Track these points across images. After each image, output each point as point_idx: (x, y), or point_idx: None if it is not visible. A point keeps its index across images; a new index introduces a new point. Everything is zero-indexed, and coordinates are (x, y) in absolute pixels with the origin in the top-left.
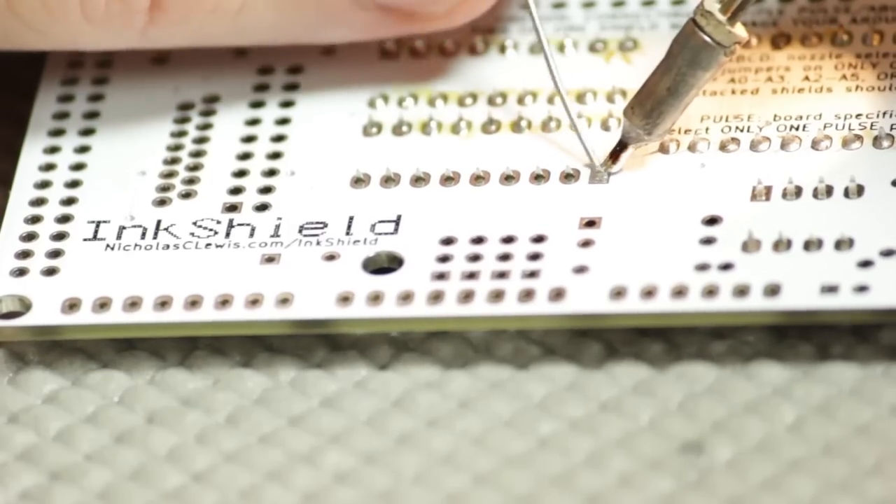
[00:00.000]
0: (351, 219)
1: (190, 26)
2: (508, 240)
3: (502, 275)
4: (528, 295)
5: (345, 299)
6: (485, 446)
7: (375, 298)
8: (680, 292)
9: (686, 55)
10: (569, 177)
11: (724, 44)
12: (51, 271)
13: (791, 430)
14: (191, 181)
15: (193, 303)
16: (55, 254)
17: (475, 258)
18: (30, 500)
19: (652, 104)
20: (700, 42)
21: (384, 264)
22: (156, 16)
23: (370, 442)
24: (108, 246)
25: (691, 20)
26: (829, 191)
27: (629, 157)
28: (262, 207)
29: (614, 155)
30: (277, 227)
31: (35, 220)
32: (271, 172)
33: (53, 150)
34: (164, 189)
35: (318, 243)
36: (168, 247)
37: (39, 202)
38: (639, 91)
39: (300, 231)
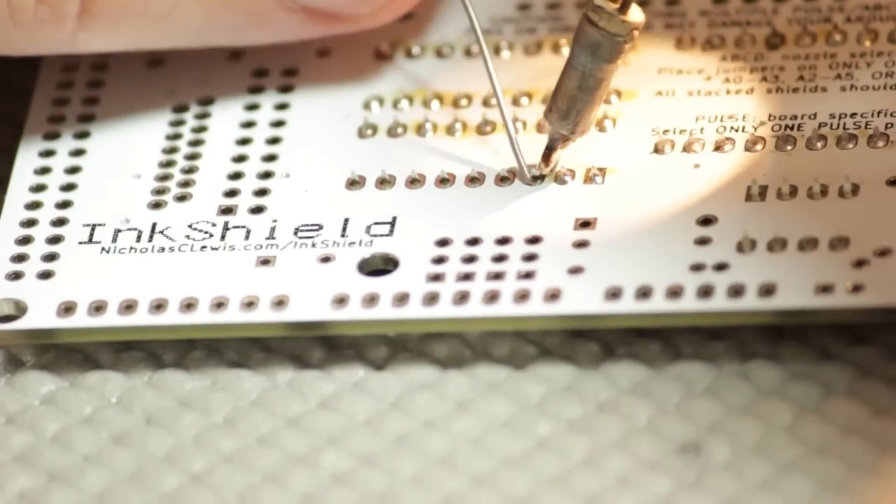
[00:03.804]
0: (346, 221)
1: (119, 30)
2: (503, 241)
3: (498, 276)
4: (523, 296)
5: (340, 301)
6: (482, 447)
7: (371, 300)
8: (675, 293)
9: (586, 52)
10: (563, 178)
11: (620, 33)
12: (46, 274)
13: (788, 430)
14: (186, 184)
15: (189, 305)
16: (50, 257)
17: (470, 259)
18: (27, 502)
19: (567, 104)
20: (596, 37)
21: (379, 266)
22: (85, 21)
23: (368, 443)
24: (103, 249)
25: (584, 16)
26: (823, 190)
27: (559, 157)
28: (258, 210)
29: (545, 158)
30: (273, 229)
31: (30, 223)
32: (266, 175)
33: (49, 153)
34: (160, 192)
35: (313, 245)
36: (163, 249)
37: (35, 205)
38: (553, 94)
39: (295, 233)
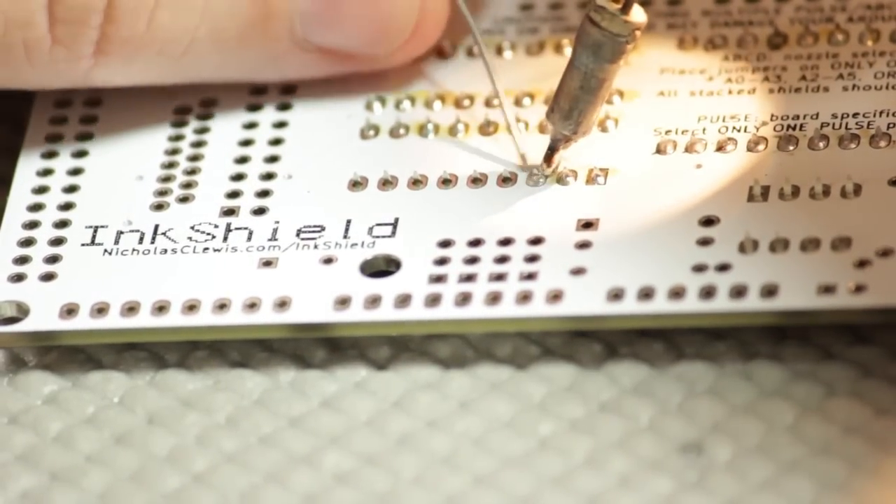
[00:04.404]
0: (348, 222)
1: (134, 68)
2: (506, 242)
3: (500, 277)
4: (525, 297)
5: (342, 302)
6: (484, 447)
7: (373, 301)
8: (677, 293)
9: (588, 52)
10: (566, 178)
11: (622, 34)
12: (48, 276)
13: (790, 430)
14: (188, 185)
15: (191, 307)
16: (53, 259)
17: (473, 260)
18: (29, 501)
19: (569, 105)
20: (598, 37)
21: (382, 267)
22: (101, 59)
23: (370, 443)
24: (105, 251)
25: (587, 16)
26: (826, 191)
27: (561, 158)
28: (260, 211)
29: (547, 158)
30: (275, 230)
31: (33, 225)
32: (269, 176)
33: (51, 155)
34: (162, 193)
35: (315, 247)
36: (166, 251)
37: (37, 207)
38: (555, 94)
39: (298, 234)
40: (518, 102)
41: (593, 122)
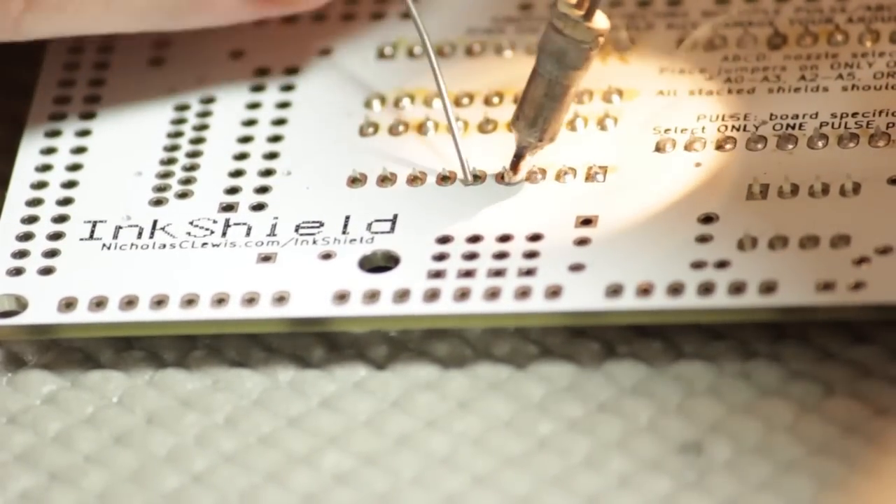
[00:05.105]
0: (347, 218)
1: (65, 13)
2: (504, 238)
3: (499, 273)
4: (524, 293)
5: (341, 297)
6: (483, 447)
7: (372, 297)
8: (676, 290)
9: (552, 59)
10: (564, 175)
11: (586, 40)
12: (47, 270)
13: (789, 430)
14: (187, 181)
15: (190, 301)
16: (51, 253)
17: (471, 256)
18: (29, 501)
19: (534, 112)
20: (562, 44)
21: (380, 263)
22: (32, 3)
23: (369, 442)
24: (104, 245)
25: (549, 23)
26: (825, 189)
27: (528, 165)
28: (259, 207)
29: (513, 166)
30: (274, 226)
31: (32, 219)
32: (268, 172)
33: (50, 150)
34: (161, 189)
35: (314, 242)
36: (164, 246)
37: (36, 202)
38: (520, 101)
39: (296, 230)
40: (517, 101)
41: (559, 128)
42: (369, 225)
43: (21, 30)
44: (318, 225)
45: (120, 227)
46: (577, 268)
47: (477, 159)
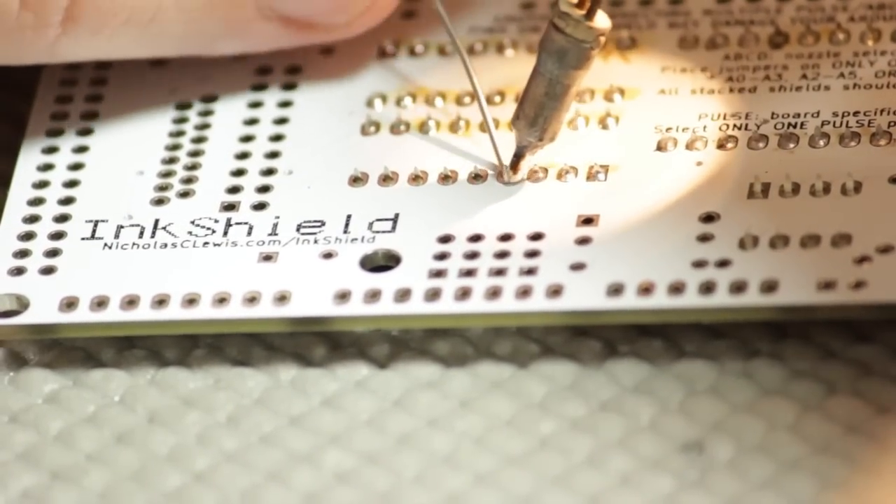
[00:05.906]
0: (349, 217)
1: (101, 38)
2: (506, 237)
3: (500, 272)
4: (525, 292)
5: (342, 297)
6: (485, 446)
7: (373, 296)
8: (677, 289)
9: (553, 58)
10: (565, 174)
11: (587, 40)
12: (48, 270)
13: (791, 429)
14: (189, 180)
15: (191, 301)
16: (53, 253)
17: (473, 256)
18: (30, 500)
19: (535, 111)
20: (563, 43)
21: (382, 262)
22: (69, 28)
23: (370, 441)
24: (105, 245)
25: (550, 22)
26: (826, 188)
27: (528, 164)
28: (260, 206)
29: (513, 165)
30: (275, 225)
31: (33, 219)
32: (269, 171)
33: (52, 150)
34: (162, 188)
35: (315, 241)
36: (166, 245)
37: (37, 202)
38: (520, 100)
39: (298, 229)
40: (518, 100)
41: (559, 127)
42: (370, 224)
43: (57, 53)
44: (319, 224)
45: (121, 227)
46: (578, 267)
47: (477, 158)
